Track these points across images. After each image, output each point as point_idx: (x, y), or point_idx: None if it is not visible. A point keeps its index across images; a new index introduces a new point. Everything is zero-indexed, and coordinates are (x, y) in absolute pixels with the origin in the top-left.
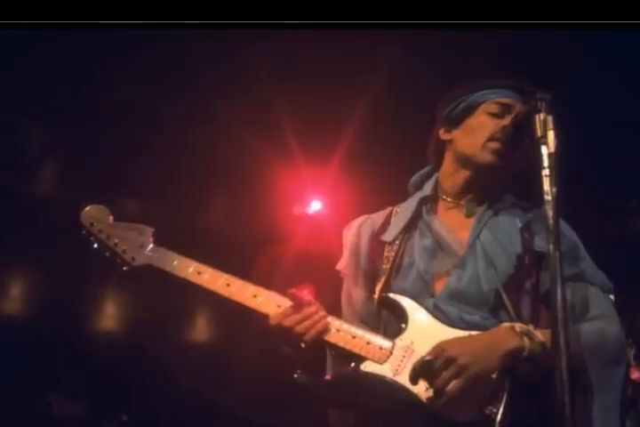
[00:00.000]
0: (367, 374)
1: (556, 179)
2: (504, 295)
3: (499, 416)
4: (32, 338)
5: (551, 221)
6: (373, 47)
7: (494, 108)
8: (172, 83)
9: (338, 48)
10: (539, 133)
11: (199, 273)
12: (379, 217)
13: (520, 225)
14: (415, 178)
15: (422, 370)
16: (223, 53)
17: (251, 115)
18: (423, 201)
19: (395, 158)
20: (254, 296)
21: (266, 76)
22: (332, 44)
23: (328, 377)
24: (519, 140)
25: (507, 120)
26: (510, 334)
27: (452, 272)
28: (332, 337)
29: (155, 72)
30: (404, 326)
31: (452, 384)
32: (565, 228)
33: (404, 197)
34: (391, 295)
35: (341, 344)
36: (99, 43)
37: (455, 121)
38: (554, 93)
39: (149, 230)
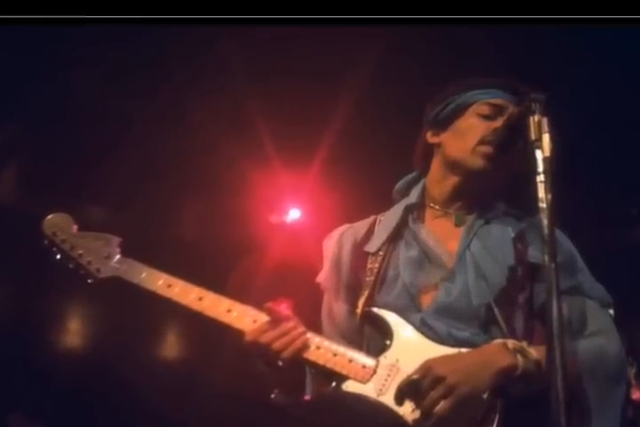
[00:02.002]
0: (349, 394)
1: (552, 185)
2: (496, 310)
3: None
4: None
5: (546, 231)
6: (356, 43)
7: (485, 110)
8: (141, 80)
9: (317, 45)
10: (533, 136)
11: (169, 286)
12: (361, 226)
13: (513, 235)
14: (401, 184)
15: (408, 390)
16: (195, 50)
17: (225, 115)
18: (409, 209)
19: (379, 163)
20: (228, 311)
21: (241, 74)
22: (311, 40)
23: (307, 397)
24: (512, 143)
25: (499, 122)
26: (502, 352)
27: (440, 285)
28: (311, 355)
29: (122, 69)
30: (388, 342)
31: (441, 405)
32: (561, 237)
33: (388, 204)
34: (375, 310)
35: (321, 362)
36: (61, 38)
37: (443, 123)
38: (549, 93)
39: (116, 240)
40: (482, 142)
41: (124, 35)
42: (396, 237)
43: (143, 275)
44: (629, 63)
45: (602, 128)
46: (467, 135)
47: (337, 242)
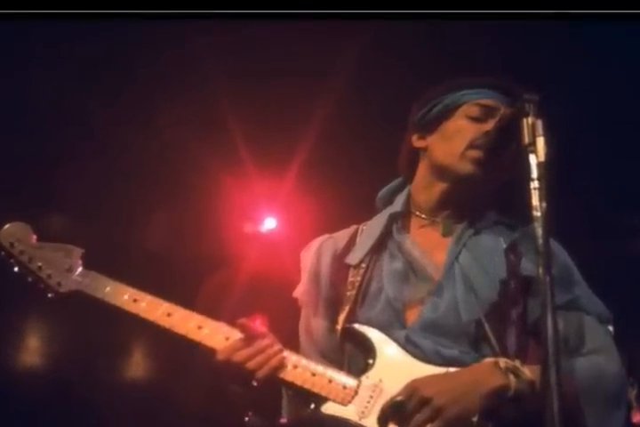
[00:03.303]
0: (329, 416)
1: (547, 192)
2: (486, 326)
3: None
4: None
5: (540, 241)
6: (336, 40)
7: (475, 111)
8: (105, 80)
9: (295, 41)
10: (526, 140)
11: (135, 301)
12: (342, 237)
13: (505, 245)
14: (384, 191)
15: (392, 412)
16: (162, 46)
17: (195, 117)
18: (393, 218)
19: (361, 169)
20: (199, 327)
21: (212, 72)
22: (288, 36)
23: (284, 420)
24: (504, 147)
25: (489, 125)
26: (494, 371)
27: (426, 300)
28: (288, 374)
29: (82, 67)
30: (371, 361)
31: None
32: (557, 248)
33: (371, 213)
34: (356, 326)
35: (299, 383)
36: (15, 35)
37: (430, 126)
38: (544, 94)
39: (78, 252)
40: (471, 146)
41: (83, 30)
42: (379, 248)
43: (107, 289)
44: (631, 61)
45: (601, 130)
46: (455, 139)
47: (316, 253)
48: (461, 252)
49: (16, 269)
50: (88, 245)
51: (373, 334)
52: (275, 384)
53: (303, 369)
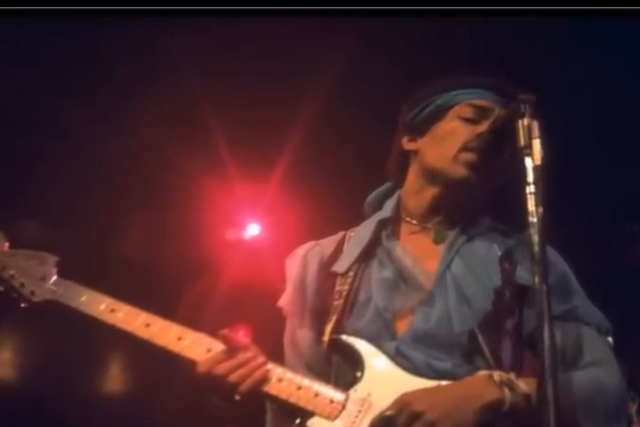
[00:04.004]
0: None
1: (543, 197)
2: (480, 337)
3: None
4: None
5: (537, 248)
6: (323, 38)
7: (468, 112)
8: (80, 79)
9: (280, 39)
10: (522, 142)
11: (113, 311)
12: (329, 244)
13: (499, 253)
14: (373, 196)
15: None
16: (140, 45)
17: (174, 119)
18: (382, 224)
19: (348, 173)
20: (179, 339)
21: (192, 72)
22: (272, 33)
23: None
24: (498, 150)
25: (483, 126)
26: (488, 385)
27: (417, 310)
28: (272, 388)
29: (56, 66)
30: (359, 374)
31: None
32: (554, 256)
33: (359, 219)
34: (344, 338)
35: (284, 396)
36: None
37: (421, 127)
38: (540, 94)
39: (52, 259)
40: (464, 149)
41: (57, 27)
42: (367, 255)
43: (83, 298)
44: (632, 59)
45: (600, 132)
46: (447, 141)
47: (301, 261)
48: (454, 259)
49: None
50: (63, 252)
51: (362, 346)
52: (258, 398)
53: (288, 382)
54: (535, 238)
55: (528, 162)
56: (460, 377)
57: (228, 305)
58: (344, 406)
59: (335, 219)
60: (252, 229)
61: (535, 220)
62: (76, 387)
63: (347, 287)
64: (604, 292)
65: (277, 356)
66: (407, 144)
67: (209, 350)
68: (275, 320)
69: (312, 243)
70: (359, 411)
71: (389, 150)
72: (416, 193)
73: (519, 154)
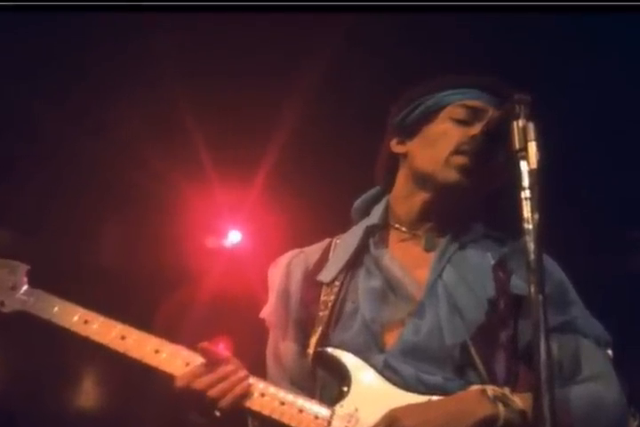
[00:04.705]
0: None
1: (539, 202)
2: (473, 350)
3: None
4: None
5: (532, 256)
6: (308, 34)
7: (461, 113)
8: (51, 78)
9: (262, 35)
10: (517, 145)
11: (86, 322)
12: (314, 251)
13: (493, 261)
14: (360, 202)
15: None
16: (117, 42)
17: (151, 121)
18: (370, 231)
19: (334, 177)
20: (156, 352)
21: (170, 70)
22: (253, 30)
23: None
24: (492, 153)
25: (476, 128)
26: (481, 400)
27: (406, 321)
28: (254, 403)
29: (27, 64)
30: (345, 389)
31: None
32: (550, 264)
33: (345, 226)
34: (330, 350)
35: (267, 412)
36: None
37: (411, 129)
38: (536, 94)
39: (23, 268)
40: (457, 152)
41: (27, 22)
42: (354, 264)
43: (55, 309)
44: (633, 57)
45: (599, 134)
46: (439, 143)
47: (285, 270)
48: (445, 268)
49: None
50: (34, 260)
51: (348, 359)
52: (239, 414)
53: (271, 397)
54: (531, 246)
55: (523, 166)
56: (451, 392)
57: (207, 316)
58: (330, 423)
59: (320, 225)
60: (233, 237)
61: (531, 226)
62: (48, 403)
63: (332, 297)
64: (603, 302)
65: (259, 370)
66: (396, 147)
67: (187, 364)
68: (257, 332)
69: (296, 251)
70: None
71: (377, 153)
72: (405, 198)
73: (514, 157)
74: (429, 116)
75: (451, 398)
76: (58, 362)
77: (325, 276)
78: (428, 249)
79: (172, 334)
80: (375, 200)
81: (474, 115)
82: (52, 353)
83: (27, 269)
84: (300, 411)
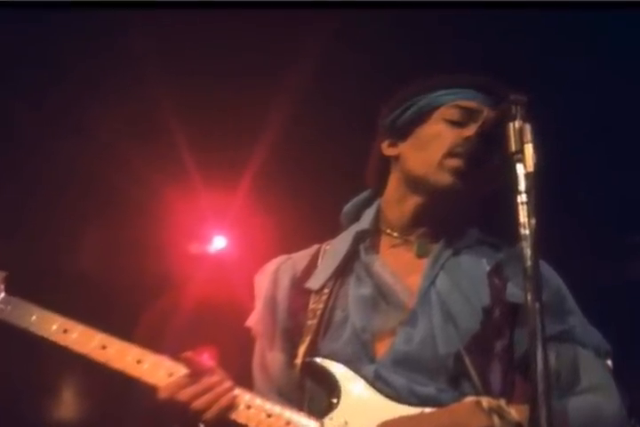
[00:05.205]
0: None
1: (536, 207)
2: (467, 360)
3: None
4: None
5: (529, 263)
6: (295, 32)
7: (454, 114)
8: (28, 78)
9: (246, 33)
10: (513, 147)
11: (65, 331)
12: (302, 258)
13: (488, 268)
14: (350, 206)
15: None
16: (96, 40)
17: (133, 122)
18: (360, 237)
19: (322, 181)
20: (138, 362)
21: (152, 69)
22: (238, 27)
23: None
24: (487, 155)
25: (471, 129)
26: (475, 412)
27: (398, 330)
28: (240, 416)
29: (4, 63)
30: (335, 400)
31: None
32: (547, 271)
33: (334, 231)
34: (318, 361)
35: (253, 425)
36: None
37: (402, 131)
38: (533, 94)
39: (0, 274)
40: (450, 154)
41: (2, 20)
42: (344, 271)
43: (33, 317)
44: (633, 56)
45: (599, 136)
46: (432, 146)
47: (271, 277)
48: (439, 275)
49: None
50: (10, 266)
51: (338, 370)
52: (225, 426)
53: (257, 410)
54: (527, 252)
55: (520, 169)
56: (445, 404)
57: (191, 325)
58: None
59: (309, 231)
60: (218, 242)
61: (527, 232)
62: (25, 415)
63: (321, 306)
64: (602, 310)
65: (245, 380)
66: (387, 149)
67: (171, 375)
68: (242, 342)
69: (283, 257)
70: None
71: (368, 156)
72: (397, 202)
73: (510, 160)
74: (422, 117)
75: (444, 411)
76: (35, 373)
77: (314, 283)
78: (420, 255)
79: (154, 343)
80: (365, 204)
81: (468, 116)
82: (29, 363)
83: (3, 275)
84: (288, 424)
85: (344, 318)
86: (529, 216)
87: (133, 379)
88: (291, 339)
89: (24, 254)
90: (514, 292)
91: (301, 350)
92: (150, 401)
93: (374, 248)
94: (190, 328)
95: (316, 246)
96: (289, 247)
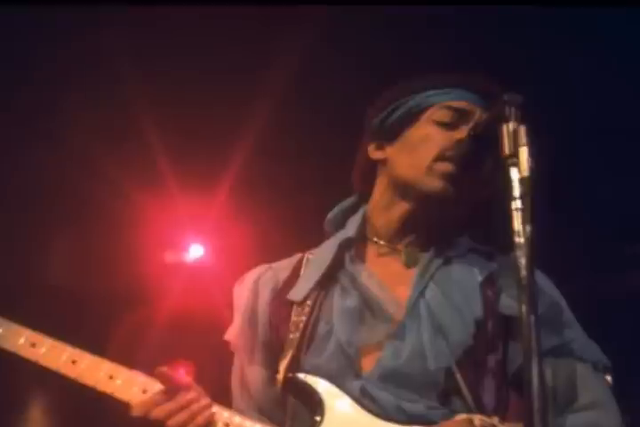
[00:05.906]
0: None
1: (532, 214)
2: (458, 376)
3: None
4: None
5: (524, 273)
6: (277, 29)
7: (445, 116)
8: None
9: (226, 31)
10: (507, 151)
11: (34, 345)
12: (283, 267)
13: (480, 278)
14: (334, 213)
15: None
16: (65, 38)
17: (106, 125)
18: (345, 245)
19: (305, 186)
20: (110, 377)
21: (126, 70)
22: (217, 25)
23: None
24: (479, 159)
25: (462, 132)
26: None
27: (385, 344)
28: None
29: None
30: (318, 418)
31: None
32: (544, 282)
33: (318, 239)
34: (301, 376)
35: None
36: None
37: (390, 133)
38: (528, 94)
39: None
40: (440, 158)
41: None
42: (328, 281)
43: (0, 331)
44: (633, 54)
45: (598, 139)
46: (421, 149)
47: (251, 287)
48: (428, 286)
49: None
50: None
51: (321, 386)
52: None
53: None
54: (522, 261)
55: (514, 173)
56: (434, 422)
57: (166, 338)
58: None
59: (291, 239)
60: (195, 251)
61: (522, 240)
62: None
63: (304, 318)
64: (601, 323)
65: (224, 397)
66: (374, 153)
67: (145, 391)
68: (220, 356)
69: (264, 266)
70: None
71: (354, 160)
72: (384, 209)
73: (504, 164)
74: (410, 118)
75: None
76: (3, 389)
77: (296, 294)
78: (408, 265)
79: (127, 358)
80: (351, 211)
81: (459, 117)
82: None
83: None
84: None
85: (328, 331)
86: (524, 223)
87: (106, 395)
88: (272, 353)
89: None
90: (508, 303)
91: (283, 364)
92: (123, 419)
93: (360, 257)
94: (165, 342)
95: (298, 255)
96: (270, 256)
